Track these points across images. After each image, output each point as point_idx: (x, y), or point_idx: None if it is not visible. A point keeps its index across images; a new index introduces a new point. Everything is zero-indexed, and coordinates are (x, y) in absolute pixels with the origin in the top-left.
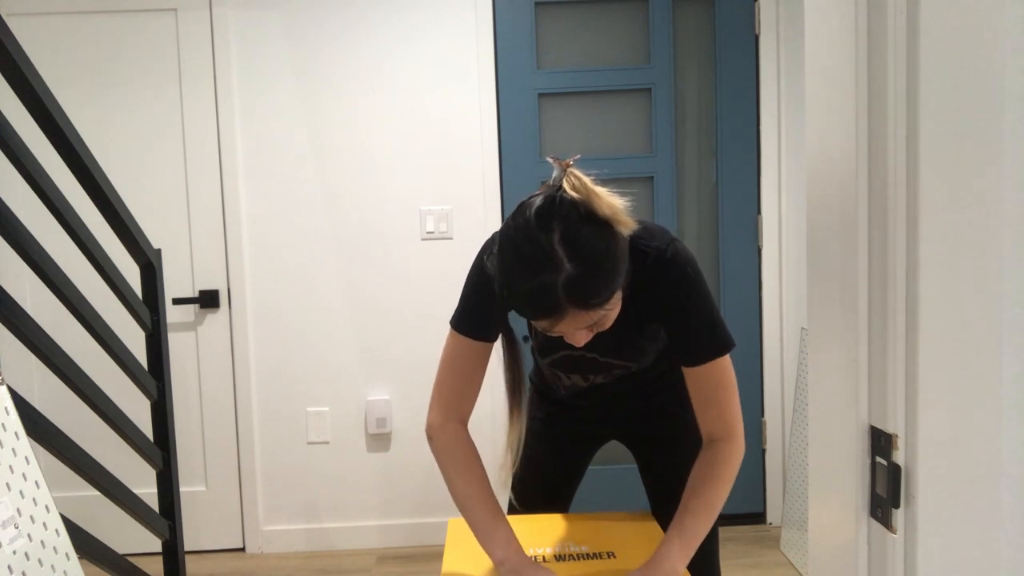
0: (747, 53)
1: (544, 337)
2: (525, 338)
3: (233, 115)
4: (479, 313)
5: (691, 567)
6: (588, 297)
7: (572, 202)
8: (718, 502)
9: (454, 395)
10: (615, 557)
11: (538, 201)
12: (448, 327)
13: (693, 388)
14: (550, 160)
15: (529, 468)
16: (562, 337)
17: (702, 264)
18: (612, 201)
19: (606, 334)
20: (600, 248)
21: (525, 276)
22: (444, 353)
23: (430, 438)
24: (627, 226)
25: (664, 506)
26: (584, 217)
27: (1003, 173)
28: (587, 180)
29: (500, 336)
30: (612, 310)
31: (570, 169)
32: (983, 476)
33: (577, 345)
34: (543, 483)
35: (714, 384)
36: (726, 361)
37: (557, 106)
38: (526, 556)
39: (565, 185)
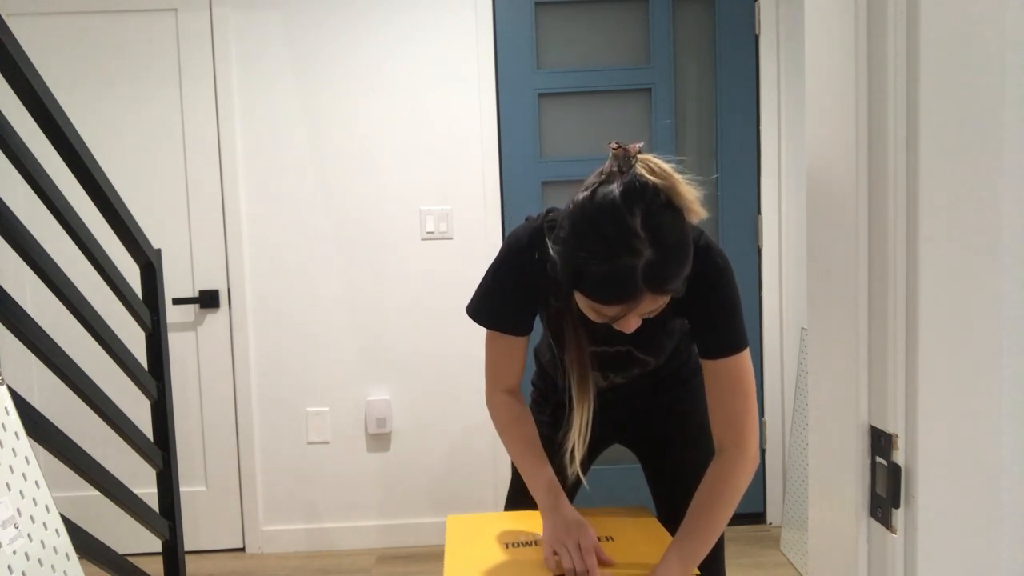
0: (747, 53)
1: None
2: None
3: (233, 115)
4: (511, 310)
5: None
6: (665, 282)
7: (655, 188)
8: (723, 521)
9: (497, 372)
10: (613, 540)
11: (617, 186)
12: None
13: (709, 386)
14: (611, 147)
15: None
16: (598, 330)
17: None
18: (690, 189)
19: (641, 328)
20: (678, 234)
21: (605, 258)
22: (486, 337)
23: (490, 412)
24: (699, 215)
25: (669, 510)
26: (665, 203)
27: (1003, 173)
28: (668, 167)
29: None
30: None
31: (642, 155)
32: (983, 476)
33: (627, 331)
34: None
35: (730, 382)
36: (745, 361)
37: (557, 106)
38: (565, 499)
39: (641, 170)
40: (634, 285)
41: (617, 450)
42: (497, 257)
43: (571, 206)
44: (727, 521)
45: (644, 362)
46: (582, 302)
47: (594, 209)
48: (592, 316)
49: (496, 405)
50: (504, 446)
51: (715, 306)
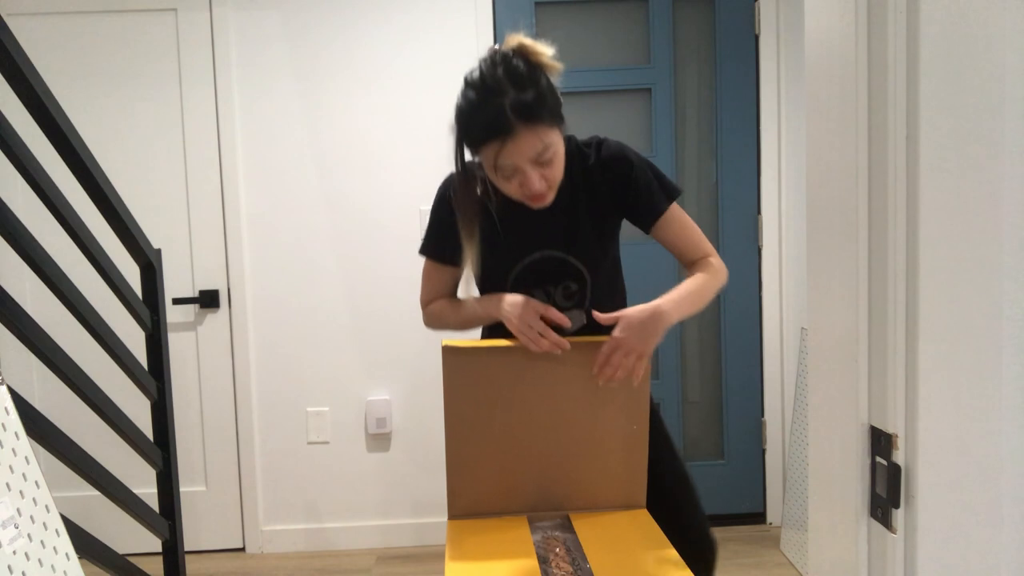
0: (747, 53)
1: (509, 239)
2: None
3: (233, 115)
4: (440, 238)
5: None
6: (531, 112)
7: (509, 52)
8: (707, 291)
9: (430, 293)
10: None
11: (484, 57)
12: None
13: (667, 242)
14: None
15: None
16: (526, 227)
17: None
18: (545, 51)
19: (559, 221)
20: (535, 78)
21: (478, 107)
22: (422, 274)
23: (425, 321)
24: (554, 67)
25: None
26: (520, 58)
27: (1003, 173)
28: (522, 40)
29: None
30: (555, 149)
31: (515, 37)
32: (983, 476)
33: (533, 188)
34: None
35: (679, 225)
36: (678, 208)
37: None
38: (497, 294)
39: (506, 47)
40: (505, 118)
41: None
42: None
43: None
44: (711, 294)
45: (578, 272)
46: (487, 166)
47: (466, 80)
48: (501, 185)
49: (429, 310)
50: (451, 327)
51: (638, 178)
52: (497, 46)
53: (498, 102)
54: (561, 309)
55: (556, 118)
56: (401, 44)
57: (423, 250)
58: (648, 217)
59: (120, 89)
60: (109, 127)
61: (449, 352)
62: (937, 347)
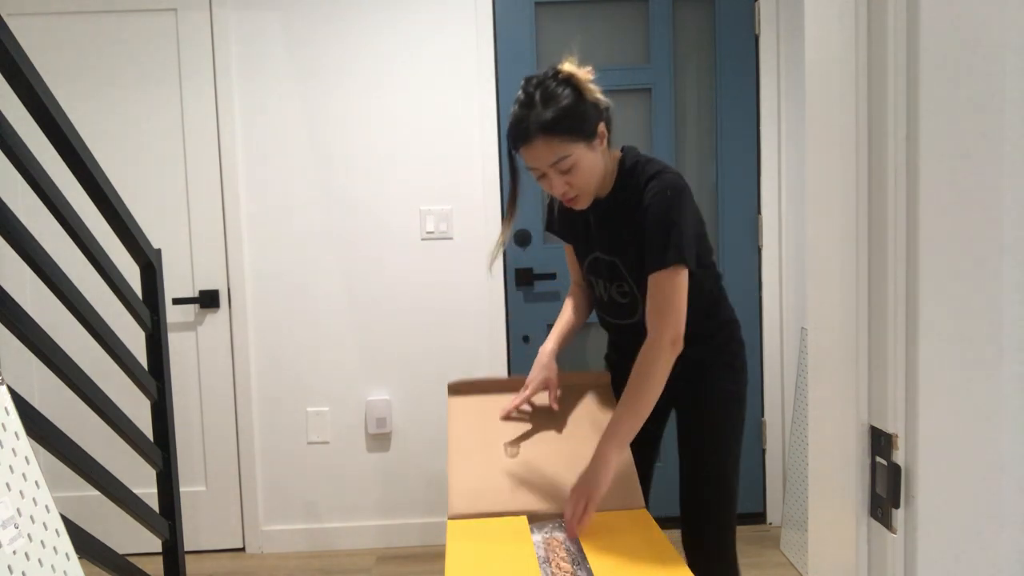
0: (747, 53)
1: (577, 236)
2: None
3: (233, 115)
4: (551, 217)
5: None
6: (549, 126)
7: (556, 71)
8: (649, 401)
9: (573, 273)
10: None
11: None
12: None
13: (648, 294)
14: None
15: None
16: (593, 240)
17: None
18: (583, 75)
19: (605, 228)
20: (567, 100)
21: (513, 117)
22: None
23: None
24: (592, 92)
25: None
26: (562, 81)
27: (1003, 173)
28: (573, 68)
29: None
30: (575, 160)
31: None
32: (983, 476)
33: (555, 192)
34: None
35: (655, 291)
36: (674, 277)
37: None
38: (549, 354)
39: (561, 65)
40: (527, 129)
41: None
42: None
43: None
44: (652, 398)
45: (622, 280)
46: (525, 167)
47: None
48: (540, 183)
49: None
50: None
51: (651, 222)
52: (549, 69)
53: (524, 114)
54: (618, 304)
55: (578, 133)
56: (401, 44)
57: (547, 226)
58: (646, 265)
59: (120, 89)
60: (109, 127)
61: (453, 389)
62: (937, 347)
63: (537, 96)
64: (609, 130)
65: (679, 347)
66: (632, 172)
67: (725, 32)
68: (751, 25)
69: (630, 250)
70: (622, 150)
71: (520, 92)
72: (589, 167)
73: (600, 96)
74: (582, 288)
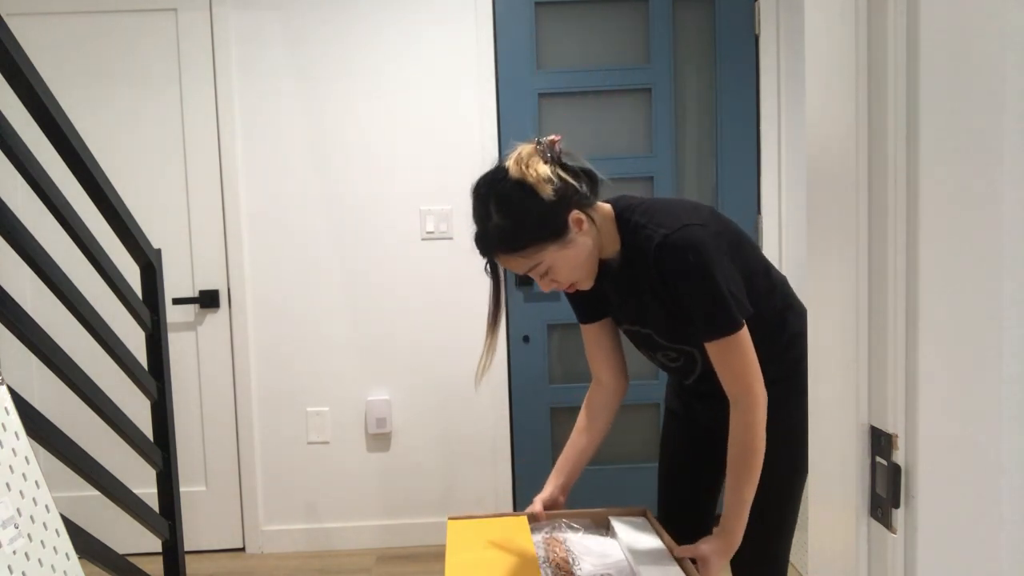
0: (747, 53)
1: (608, 308)
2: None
3: (233, 115)
4: (577, 303)
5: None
6: (510, 242)
7: (504, 175)
8: (755, 465)
9: (592, 364)
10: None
11: (487, 173)
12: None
13: (711, 358)
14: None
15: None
16: (618, 310)
17: None
18: (541, 172)
19: (631, 301)
20: (518, 206)
21: (475, 226)
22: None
23: None
24: (547, 193)
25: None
26: (512, 184)
27: (1003, 173)
28: (528, 156)
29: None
30: (550, 263)
31: (522, 149)
32: (983, 476)
33: (544, 290)
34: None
35: (722, 358)
36: (732, 343)
37: (557, 106)
38: (554, 476)
39: (509, 162)
40: (488, 246)
41: (617, 451)
42: None
43: None
44: (759, 458)
45: (666, 349)
46: None
47: (472, 188)
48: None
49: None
50: None
51: (690, 303)
52: (499, 170)
53: (482, 229)
54: (673, 369)
55: (542, 239)
56: (401, 44)
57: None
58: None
59: (120, 89)
60: (109, 127)
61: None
62: (937, 347)
63: (491, 205)
64: (590, 201)
65: (764, 393)
66: (634, 233)
67: (725, 32)
68: (751, 25)
69: (660, 320)
70: (613, 206)
71: (472, 199)
72: (570, 261)
73: (564, 181)
74: (603, 387)
